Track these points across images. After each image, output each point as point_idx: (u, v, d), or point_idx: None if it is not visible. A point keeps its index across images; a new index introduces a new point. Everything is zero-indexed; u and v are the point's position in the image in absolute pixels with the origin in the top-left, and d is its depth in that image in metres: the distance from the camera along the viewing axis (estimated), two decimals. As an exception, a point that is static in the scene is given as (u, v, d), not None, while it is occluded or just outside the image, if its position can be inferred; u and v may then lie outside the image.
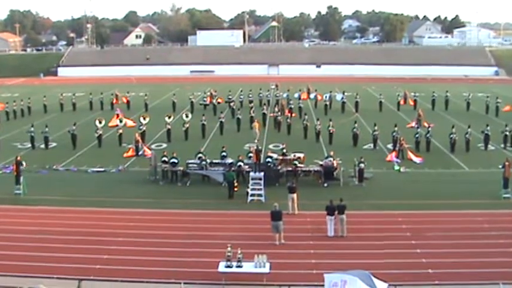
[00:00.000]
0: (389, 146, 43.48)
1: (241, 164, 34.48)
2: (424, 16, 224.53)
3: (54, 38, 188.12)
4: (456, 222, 27.68)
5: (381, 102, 62.50)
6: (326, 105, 60.63)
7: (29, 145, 44.93)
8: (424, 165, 38.53)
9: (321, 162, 35.41)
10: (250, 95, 65.46)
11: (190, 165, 35.45)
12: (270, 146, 43.49)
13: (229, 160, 35.55)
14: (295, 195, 28.96)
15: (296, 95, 64.48)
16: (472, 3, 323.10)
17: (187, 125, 48.29)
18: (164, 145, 44.93)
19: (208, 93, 66.09)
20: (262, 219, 26.37)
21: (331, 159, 35.09)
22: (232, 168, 33.78)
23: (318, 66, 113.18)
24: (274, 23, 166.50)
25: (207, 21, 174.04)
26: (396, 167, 38.00)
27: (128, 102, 65.26)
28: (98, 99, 65.16)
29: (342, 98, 62.00)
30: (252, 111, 53.64)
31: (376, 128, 44.42)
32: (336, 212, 25.81)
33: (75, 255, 23.64)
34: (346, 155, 37.77)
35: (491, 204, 30.21)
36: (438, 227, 26.95)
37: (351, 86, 79.87)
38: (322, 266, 22.05)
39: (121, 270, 22.30)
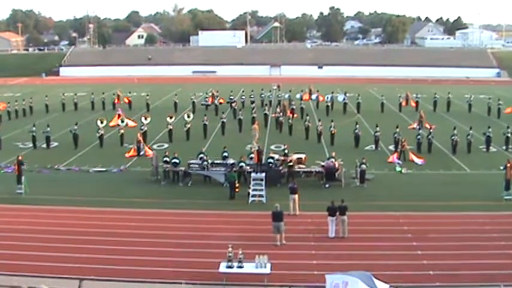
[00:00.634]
0: (391, 147, 43.49)
1: (243, 164, 34.50)
2: (426, 17, 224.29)
3: (56, 37, 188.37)
4: (457, 224, 27.66)
5: (382, 103, 62.49)
6: (328, 106, 60.68)
7: (31, 145, 44.97)
8: (425, 166, 38.51)
9: (322, 163, 35.40)
10: (252, 96, 65.47)
11: (192, 165, 35.47)
12: (272, 147, 43.47)
13: (230, 160, 35.58)
14: (296, 196, 28.96)
15: (298, 96, 64.52)
16: (475, 5, 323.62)
17: (189, 125, 48.30)
18: (166, 145, 44.95)
19: (210, 94, 66.12)
20: (264, 220, 26.38)
21: (333, 160, 35.10)
22: (234, 169, 33.80)
23: (320, 67, 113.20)
24: (276, 24, 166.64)
25: (209, 21, 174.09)
26: (398, 168, 37.98)
27: (130, 102, 65.35)
28: (99, 99, 65.18)
29: (344, 99, 62.02)
30: (253, 112, 53.68)
31: (377, 129, 44.41)
32: (337, 213, 25.81)
33: (77, 255, 23.66)
34: (348, 156, 37.76)
35: (493, 206, 30.17)
36: (439, 228, 26.93)
37: (353, 87, 79.80)
38: (323, 266, 22.04)
39: (122, 270, 22.31)
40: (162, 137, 48.28)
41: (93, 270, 22.05)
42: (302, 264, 23.01)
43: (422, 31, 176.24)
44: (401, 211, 29.33)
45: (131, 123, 51.79)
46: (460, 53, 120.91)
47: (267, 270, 20.97)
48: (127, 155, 41.64)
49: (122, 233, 26.43)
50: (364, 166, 34.40)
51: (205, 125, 49.04)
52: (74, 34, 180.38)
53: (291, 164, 34.99)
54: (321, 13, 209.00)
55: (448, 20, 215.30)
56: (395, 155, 40.19)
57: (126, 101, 65.51)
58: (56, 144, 45.90)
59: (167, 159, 35.68)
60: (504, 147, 43.56)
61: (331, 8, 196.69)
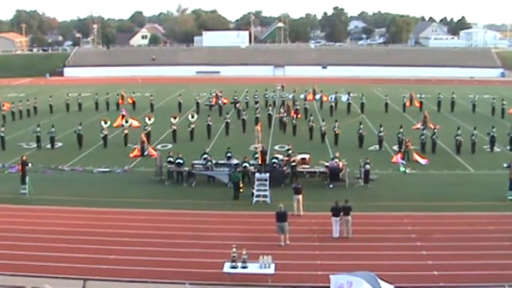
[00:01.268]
0: (395, 147, 43.42)
1: (246, 164, 34.50)
2: (430, 17, 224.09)
3: (60, 38, 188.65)
4: (462, 224, 27.60)
5: (386, 103, 62.41)
6: (332, 106, 60.63)
7: (35, 145, 45.05)
8: (429, 166, 38.45)
9: (326, 164, 35.35)
10: (256, 96, 65.39)
11: (196, 165, 35.49)
12: (276, 147, 43.43)
13: (234, 161, 35.59)
14: (300, 196, 28.93)
15: (302, 96, 64.44)
16: (479, 5, 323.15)
17: (193, 126, 48.32)
18: (170, 145, 44.96)
19: (214, 94, 66.12)
20: (268, 220, 26.36)
21: (337, 160, 35.07)
22: (238, 169, 33.80)
23: (324, 67, 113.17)
24: (280, 24, 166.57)
25: (213, 22, 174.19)
26: (402, 169, 37.94)
27: (134, 102, 65.36)
28: (103, 100, 65.25)
29: (348, 99, 61.93)
30: (257, 112, 53.67)
31: (381, 129, 44.35)
32: (342, 213, 25.78)
33: (80, 255, 23.67)
34: (352, 156, 37.66)
35: (497, 206, 30.11)
36: (444, 228, 26.87)
37: (357, 87, 79.69)
38: (327, 267, 22.01)
39: (126, 270, 22.31)
40: (166, 137, 48.31)
41: (97, 271, 22.06)
42: (306, 264, 22.99)
43: (426, 31, 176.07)
44: (406, 211, 29.29)
45: (135, 123, 51.72)
46: (464, 53, 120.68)
47: (271, 270, 20.94)
48: (131, 155, 41.65)
49: (125, 233, 26.44)
50: (368, 166, 34.37)
51: (209, 125, 49.03)
52: (78, 34, 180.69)
53: (294, 164, 34.97)
54: (325, 13, 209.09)
55: (452, 20, 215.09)
56: (399, 155, 40.13)
57: (130, 101, 65.58)
58: (60, 144, 45.96)
59: (171, 159, 35.70)
60: (508, 147, 43.48)
61: (335, 8, 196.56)
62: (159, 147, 44.28)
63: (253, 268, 21.05)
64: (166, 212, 29.84)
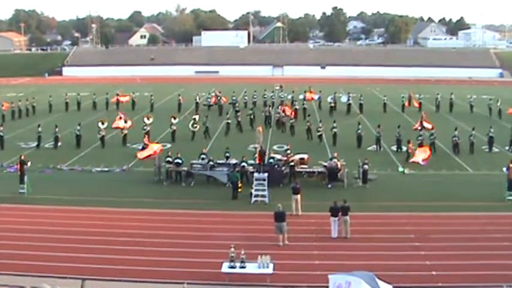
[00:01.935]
0: (394, 147, 43.45)
1: (245, 164, 34.51)
2: (429, 18, 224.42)
3: (59, 37, 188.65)
4: (460, 224, 27.63)
5: (385, 104, 62.42)
6: (331, 106, 60.41)
7: (33, 144, 44.99)
8: (428, 167, 38.40)
9: (325, 164, 35.37)
10: (255, 96, 65.30)
11: (195, 165, 35.49)
12: (275, 147, 43.40)
13: (233, 161, 35.60)
14: (298, 196, 28.93)
15: (301, 97, 64.32)
16: (477, 5, 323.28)
17: (198, 126, 48.30)
18: (168, 145, 44.90)
19: (213, 94, 66.08)
20: (266, 220, 26.35)
21: (335, 160, 35.09)
22: (236, 169, 33.80)
23: (323, 67, 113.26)
24: (279, 24, 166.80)
25: (211, 21, 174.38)
26: (400, 169, 37.96)
27: (128, 102, 64.78)
28: (102, 99, 65.08)
29: (348, 100, 61.81)
30: (250, 113, 53.39)
31: (379, 129, 44.36)
32: (340, 213, 25.78)
33: (79, 255, 23.66)
34: (350, 157, 37.66)
35: (496, 206, 30.14)
36: (442, 228, 26.90)
37: (356, 87, 79.71)
38: (325, 267, 22.00)
39: (124, 270, 22.30)
40: (165, 137, 48.26)
41: (96, 270, 22.04)
42: (305, 264, 23.00)
43: (425, 31, 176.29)
44: (404, 211, 29.31)
45: (127, 125, 50.81)
46: (463, 53, 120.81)
47: (270, 270, 20.95)
48: (140, 156, 40.81)
49: (124, 233, 26.43)
50: (366, 166, 34.38)
51: (207, 127, 48.95)
52: (77, 34, 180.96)
53: (293, 164, 34.97)
54: (324, 13, 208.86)
55: (450, 20, 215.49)
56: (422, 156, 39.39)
57: (123, 99, 65.12)
58: (59, 144, 45.81)
59: (170, 159, 35.70)
60: (507, 148, 43.54)
61: (334, 8, 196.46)
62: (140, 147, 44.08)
63: (251, 268, 21.06)
64: (165, 211, 29.82)
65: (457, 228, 26.98)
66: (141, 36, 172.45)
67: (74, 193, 32.83)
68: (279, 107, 58.02)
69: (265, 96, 65.67)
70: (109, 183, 35.46)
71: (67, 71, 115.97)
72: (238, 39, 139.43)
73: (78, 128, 45.59)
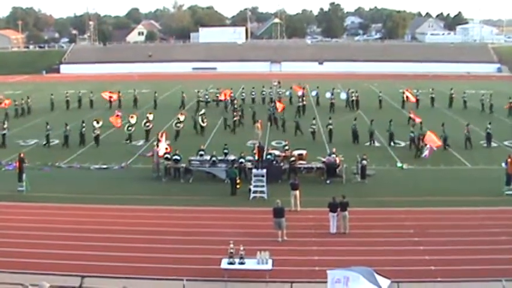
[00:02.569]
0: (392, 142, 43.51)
1: (242, 160, 34.53)
2: (427, 13, 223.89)
3: (57, 35, 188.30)
4: (459, 219, 27.66)
5: (380, 100, 62.08)
6: (332, 103, 60.01)
7: (32, 142, 44.86)
8: (426, 162, 38.43)
9: (323, 159, 35.40)
10: (253, 93, 65.17)
11: (193, 162, 35.49)
12: (273, 143, 43.36)
13: (231, 157, 35.61)
14: (297, 192, 28.96)
15: (300, 93, 64.13)
16: (475, 0, 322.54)
17: (181, 125, 47.88)
18: (167, 142, 44.77)
19: (221, 90, 65.00)
20: (265, 216, 26.37)
21: (334, 156, 35.11)
22: (235, 165, 33.82)
23: (321, 63, 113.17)
24: (276, 20, 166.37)
25: (209, 18, 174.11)
26: (399, 164, 38.00)
27: (117, 100, 63.86)
28: (99, 97, 64.72)
29: (347, 97, 61.59)
30: (250, 109, 53.38)
31: (372, 124, 44.71)
32: (339, 209, 25.81)
33: (78, 252, 23.68)
34: (348, 152, 37.66)
35: (494, 201, 30.18)
36: (441, 223, 26.94)
37: (353, 82, 79.58)
38: (324, 262, 22.05)
39: (123, 267, 22.33)
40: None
41: (95, 267, 22.05)
42: (303, 260, 23.02)
43: (423, 27, 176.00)
44: (403, 207, 29.34)
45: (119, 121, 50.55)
46: (461, 48, 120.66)
47: (269, 266, 20.95)
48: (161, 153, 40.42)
49: (122, 230, 26.43)
50: (365, 162, 34.39)
51: (195, 121, 49.11)
52: (74, 31, 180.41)
53: (293, 159, 34.97)
54: (321, 9, 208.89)
55: (448, 15, 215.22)
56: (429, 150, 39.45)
57: (114, 98, 64.23)
58: (57, 141, 45.74)
59: (168, 155, 35.70)
60: (506, 143, 43.63)
61: (331, 4, 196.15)
62: (155, 143, 44.03)
63: (250, 264, 21.05)
64: (164, 208, 29.82)
65: (455, 223, 27.02)
66: (139, 33, 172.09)
67: (73, 191, 32.82)
68: (271, 103, 58.00)
69: (264, 93, 65.47)
70: (107, 181, 35.46)
71: (65, 69, 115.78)
72: (235, 35, 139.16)
73: (68, 128, 44.89)
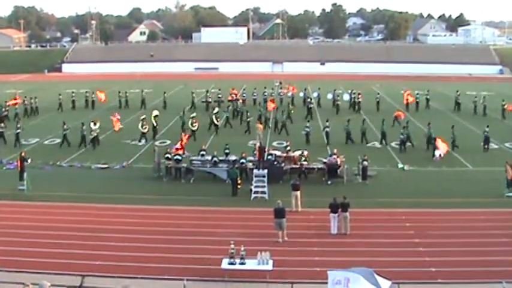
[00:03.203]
0: (393, 144, 43.52)
1: (243, 161, 34.54)
2: (429, 14, 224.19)
3: (59, 34, 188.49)
4: (459, 221, 27.67)
5: (378, 101, 61.24)
6: (337, 104, 59.64)
7: (34, 141, 44.85)
8: (427, 163, 38.46)
9: (324, 160, 35.41)
10: (255, 94, 64.99)
11: (194, 162, 35.51)
12: (274, 143, 43.36)
13: (232, 157, 35.63)
14: (298, 193, 28.97)
15: (301, 94, 63.96)
16: (477, 2, 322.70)
17: (147, 127, 46.84)
18: (168, 142, 44.86)
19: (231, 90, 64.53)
20: (266, 217, 26.37)
21: (335, 156, 35.12)
22: (236, 166, 33.83)
23: (322, 64, 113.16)
24: (278, 21, 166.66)
25: (211, 18, 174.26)
26: (400, 165, 37.99)
27: (106, 100, 63.49)
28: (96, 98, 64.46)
29: (350, 98, 61.30)
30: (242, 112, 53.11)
31: (364, 123, 45.26)
32: (340, 210, 25.82)
33: (79, 251, 23.70)
34: (350, 153, 37.64)
35: (495, 202, 30.17)
36: (441, 225, 26.95)
37: (355, 83, 79.53)
38: (325, 263, 22.05)
39: (124, 266, 22.35)
40: (165, 133, 48.27)
41: (95, 267, 22.09)
42: (304, 260, 23.03)
43: (425, 28, 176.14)
44: (404, 208, 29.34)
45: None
46: (463, 49, 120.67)
47: (269, 266, 20.96)
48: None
49: (123, 229, 26.44)
50: (366, 163, 34.40)
51: (183, 122, 49.17)
52: (76, 31, 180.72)
53: (306, 159, 34.93)
54: (323, 10, 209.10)
55: (450, 16, 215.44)
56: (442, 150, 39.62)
57: (103, 98, 63.78)
58: (58, 140, 45.68)
59: (169, 155, 35.72)
60: (507, 144, 43.65)
61: (334, 5, 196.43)
62: (157, 143, 44.12)
63: (251, 264, 21.06)
64: (165, 208, 29.84)
65: (456, 225, 27.03)
66: (141, 33, 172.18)
67: (74, 190, 32.84)
68: (261, 103, 57.93)
69: (266, 93, 65.26)
70: (108, 180, 35.48)
71: (66, 68, 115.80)
72: (237, 35, 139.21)
73: (65, 127, 44.61)
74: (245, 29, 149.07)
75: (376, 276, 15.82)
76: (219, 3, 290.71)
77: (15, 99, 60.00)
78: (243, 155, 35.15)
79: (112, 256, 23.44)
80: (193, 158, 35.88)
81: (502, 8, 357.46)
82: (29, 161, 34.21)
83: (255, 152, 35.56)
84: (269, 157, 34.93)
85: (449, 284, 20.84)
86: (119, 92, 65.36)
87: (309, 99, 59.22)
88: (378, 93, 63.68)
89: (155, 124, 47.36)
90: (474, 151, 41.71)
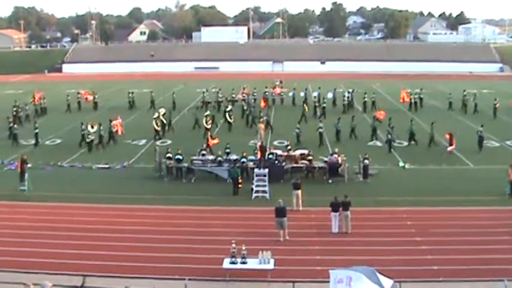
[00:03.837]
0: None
1: (244, 160, 34.52)
2: (429, 12, 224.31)
3: (59, 34, 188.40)
4: (461, 219, 27.62)
5: (373, 102, 59.98)
6: (346, 104, 59.21)
7: (33, 141, 44.89)
8: (428, 161, 38.42)
9: (325, 159, 35.40)
10: (255, 93, 64.81)
11: (195, 161, 35.49)
12: (275, 143, 43.35)
13: (233, 156, 35.61)
14: (299, 192, 28.95)
15: (302, 94, 63.70)
16: (477, 0, 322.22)
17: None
18: (169, 141, 44.87)
19: (242, 89, 64.44)
20: (267, 216, 26.38)
21: (336, 155, 35.11)
22: (237, 165, 33.81)
23: (323, 63, 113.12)
24: (278, 20, 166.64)
25: (211, 17, 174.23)
26: (401, 164, 37.97)
27: (92, 100, 62.75)
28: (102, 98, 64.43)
29: (349, 97, 60.97)
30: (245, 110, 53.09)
31: (353, 120, 46.02)
32: (341, 209, 25.80)
33: (80, 252, 23.70)
34: (350, 152, 37.60)
35: (496, 200, 30.14)
36: (443, 223, 26.90)
37: (356, 82, 79.56)
38: (326, 262, 22.04)
39: (126, 266, 22.34)
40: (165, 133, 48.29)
41: (97, 267, 22.07)
42: (305, 259, 23.02)
43: (425, 26, 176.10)
44: (405, 206, 29.32)
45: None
46: (463, 48, 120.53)
47: (271, 266, 20.97)
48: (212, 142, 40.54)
49: (125, 229, 26.43)
50: (367, 161, 34.39)
51: (170, 121, 49.46)
52: (76, 31, 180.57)
53: (311, 158, 34.92)
54: (324, 8, 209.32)
55: (450, 15, 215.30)
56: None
57: (90, 98, 63.27)
58: (59, 141, 45.70)
59: (170, 155, 35.70)
60: (508, 142, 43.62)
61: (334, 4, 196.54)
62: (158, 143, 44.09)
63: (252, 264, 21.07)
64: (166, 208, 29.83)
65: (458, 223, 26.99)
66: (141, 33, 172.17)
67: (75, 190, 32.84)
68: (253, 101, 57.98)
69: (266, 93, 65.04)
70: (109, 180, 35.46)
71: (67, 68, 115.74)
72: (238, 35, 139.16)
73: (83, 127, 44.44)
74: (245, 28, 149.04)
75: (378, 275, 15.80)
76: (219, 2, 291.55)
77: (34, 97, 60.44)
78: (244, 154, 35.13)
79: (113, 256, 23.42)
80: (194, 157, 35.87)
81: (503, 6, 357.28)
82: (29, 165, 34.06)
83: (255, 151, 35.54)
84: (270, 156, 34.90)
85: (451, 282, 20.81)
86: (129, 93, 64.70)
87: (323, 99, 58.43)
88: (374, 93, 62.68)
89: (164, 122, 47.76)
90: (475, 149, 41.60)
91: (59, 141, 45.86)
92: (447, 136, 41.21)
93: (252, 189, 31.45)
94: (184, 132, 48.09)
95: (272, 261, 21.08)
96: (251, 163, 34.58)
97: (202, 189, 32.96)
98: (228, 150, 36.58)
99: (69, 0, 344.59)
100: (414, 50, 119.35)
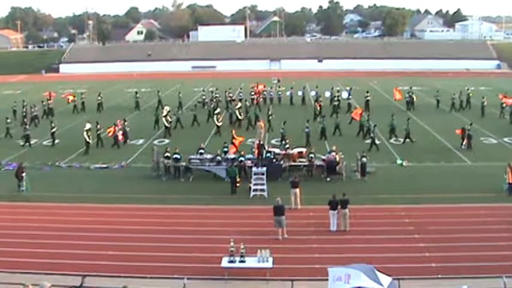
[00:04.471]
0: (393, 140, 43.53)
1: (242, 159, 34.51)
2: (426, 10, 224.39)
3: (56, 34, 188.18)
4: (459, 216, 27.66)
5: (367, 101, 58.95)
6: (336, 105, 58.65)
7: (32, 142, 44.78)
8: (426, 159, 38.46)
9: (323, 157, 35.41)
10: (252, 93, 64.71)
11: (193, 160, 35.47)
12: (273, 141, 43.36)
13: (231, 155, 35.59)
14: (297, 190, 28.96)
15: (300, 93, 63.48)
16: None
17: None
18: (166, 141, 44.87)
19: (255, 89, 64.12)
20: (265, 214, 26.38)
21: (334, 153, 35.12)
22: (234, 164, 33.80)
23: (320, 61, 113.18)
24: (275, 18, 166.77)
25: (208, 16, 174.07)
26: (399, 161, 37.99)
27: (72, 101, 61.50)
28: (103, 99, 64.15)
29: (349, 96, 60.41)
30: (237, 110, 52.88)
31: (337, 117, 47.06)
32: (339, 207, 25.82)
33: (79, 252, 23.69)
34: (348, 150, 37.63)
35: (494, 197, 30.16)
36: (441, 220, 26.93)
37: (353, 80, 79.59)
38: (325, 260, 22.05)
39: (124, 266, 22.33)
40: (163, 132, 48.24)
41: (95, 267, 22.06)
42: (304, 258, 23.03)
43: (422, 24, 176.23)
44: (403, 204, 29.34)
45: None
46: (460, 45, 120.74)
47: (269, 264, 20.98)
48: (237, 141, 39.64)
49: (123, 229, 26.43)
50: (364, 159, 34.39)
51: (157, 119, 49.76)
52: (74, 31, 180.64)
53: (312, 156, 34.90)
54: (320, 7, 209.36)
55: (447, 12, 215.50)
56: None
57: (71, 98, 62.17)
58: (57, 141, 45.62)
59: (168, 154, 35.67)
60: (506, 139, 43.70)
61: (331, 2, 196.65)
62: (156, 142, 44.14)
63: (251, 262, 21.08)
64: (164, 207, 29.81)
65: (456, 220, 27.01)
66: (138, 32, 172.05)
67: (73, 190, 32.82)
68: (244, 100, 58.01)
69: (265, 93, 64.87)
70: (108, 180, 35.43)
71: (64, 68, 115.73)
72: (235, 33, 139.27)
73: (99, 127, 44.75)
74: (242, 27, 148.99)
75: (377, 273, 15.82)
76: (216, 1, 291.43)
77: (50, 95, 61.46)
78: (242, 152, 35.13)
79: (112, 256, 23.41)
80: (192, 156, 35.85)
81: (499, 3, 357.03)
82: (24, 175, 33.49)
83: (253, 150, 35.53)
84: (268, 155, 34.90)
85: (450, 279, 20.79)
86: (136, 93, 64.34)
87: (335, 97, 58.10)
88: (367, 92, 60.78)
89: (170, 120, 48.06)
90: (473, 146, 41.65)
91: (57, 141, 45.70)
92: (459, 132, 41.86)
93: (250, 187, 31.45)
94: (182, 131, 48.04)
95: (271, 259, 21.09)
96: (249, 162, 34.57)
97: (200, 188, 32.94)
98: (225, 149, 36.57)
99: (66, 0, 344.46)
100: (411, 48, 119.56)
